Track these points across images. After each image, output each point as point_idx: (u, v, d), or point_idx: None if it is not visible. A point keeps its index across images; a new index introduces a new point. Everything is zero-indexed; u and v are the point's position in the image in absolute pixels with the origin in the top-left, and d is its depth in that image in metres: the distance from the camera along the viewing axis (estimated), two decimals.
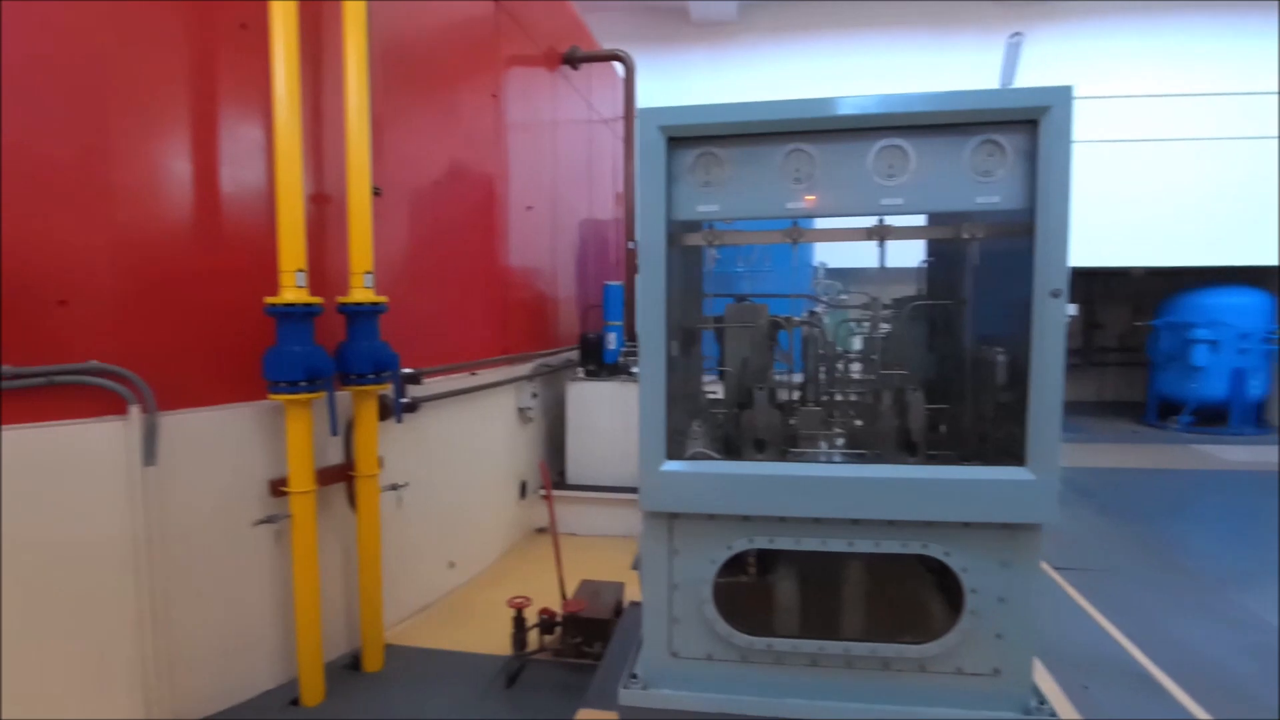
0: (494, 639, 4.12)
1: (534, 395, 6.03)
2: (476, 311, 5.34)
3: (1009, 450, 2.38)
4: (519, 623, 3.89)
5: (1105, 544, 6.45)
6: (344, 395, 3.77)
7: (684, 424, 2.78)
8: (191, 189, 3.31)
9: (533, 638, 3.95)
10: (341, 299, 3.71)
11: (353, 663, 3.90)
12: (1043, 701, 2.41)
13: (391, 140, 4.24)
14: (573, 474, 6.29)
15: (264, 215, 3.45)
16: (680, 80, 11.22)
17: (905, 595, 2.84)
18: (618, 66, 7.94)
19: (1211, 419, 11.67)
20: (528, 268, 6.24)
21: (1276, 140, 10.84)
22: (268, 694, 3.57)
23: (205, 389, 3.32)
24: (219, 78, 3.40)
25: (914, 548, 2.36)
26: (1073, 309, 11.23)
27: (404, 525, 4.31)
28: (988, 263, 2.51)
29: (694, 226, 2.83)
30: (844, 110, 2.23)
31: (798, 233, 2.54)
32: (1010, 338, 2.41)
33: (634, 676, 2.55)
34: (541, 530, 6.20)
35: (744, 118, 2.28)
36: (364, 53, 3.66)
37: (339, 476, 3.87)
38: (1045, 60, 10.92)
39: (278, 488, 3.49)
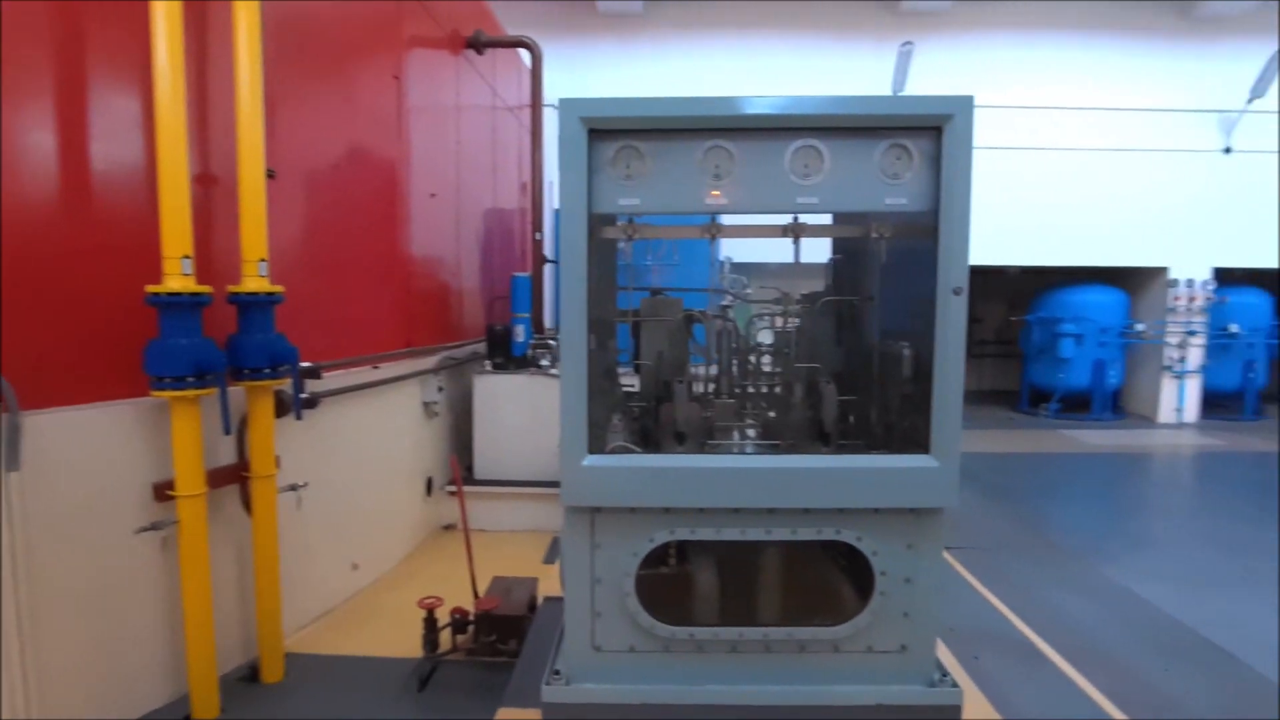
0: (404, 641, 3.99)
1: (439, 389, 5.87)
2: (378, 302, 5.13)
3: (913, 439, 2.51)
4: (430, 623, 3.78)
5: (987, 524, 6.93)
6: (237, 391, 3.54)
7: (603, 418, 2.78)
8: (57, 164, 3.01)
9: (445, 638, 3.86)
10: (233, 288, 3.47)
11: (251, 674, 3.69)
12: (945, 674, 2.57)
13: (286, 120, 4.00)
14: (481, 469, 6.17)
15: (145, 197, 3.18)
16: (586, 72, 11.14)
17: (817, 581, 2.95)
18: (524, 54, 7.80)
19: (1076, 406, 12.75)
20: (432, 257, 6.04)
21: (1137, 152, 11.94)
22: (156, 712, 3.32)
23: (78, 386, 3.03)
24: (88, 42, 3.09)
25: (828, 534, 2.45)
26: None
27: (304, 527, 4.10)
28: (894, 260, 2.63)
29: (611, 220, 2.83)
30: (763, 110, 2.28)
31: (716, 228, 2.58)
32: (914, 332, 2.54)
33: (556, 673, 2.53)
34: (449, 527, 6.05)
35: (666, 112, 2.29)
36: (257, 25, 3.43)
37: (232, 478, 3.63)
38: (935, 68, 11.54)
39: (163, 492, 3.24)
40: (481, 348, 6.72)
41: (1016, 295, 14.93)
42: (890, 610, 2.52)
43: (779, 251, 2.97)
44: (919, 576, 2.51)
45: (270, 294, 3.54)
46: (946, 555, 5.92)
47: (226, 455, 3.64)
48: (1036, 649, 4.41)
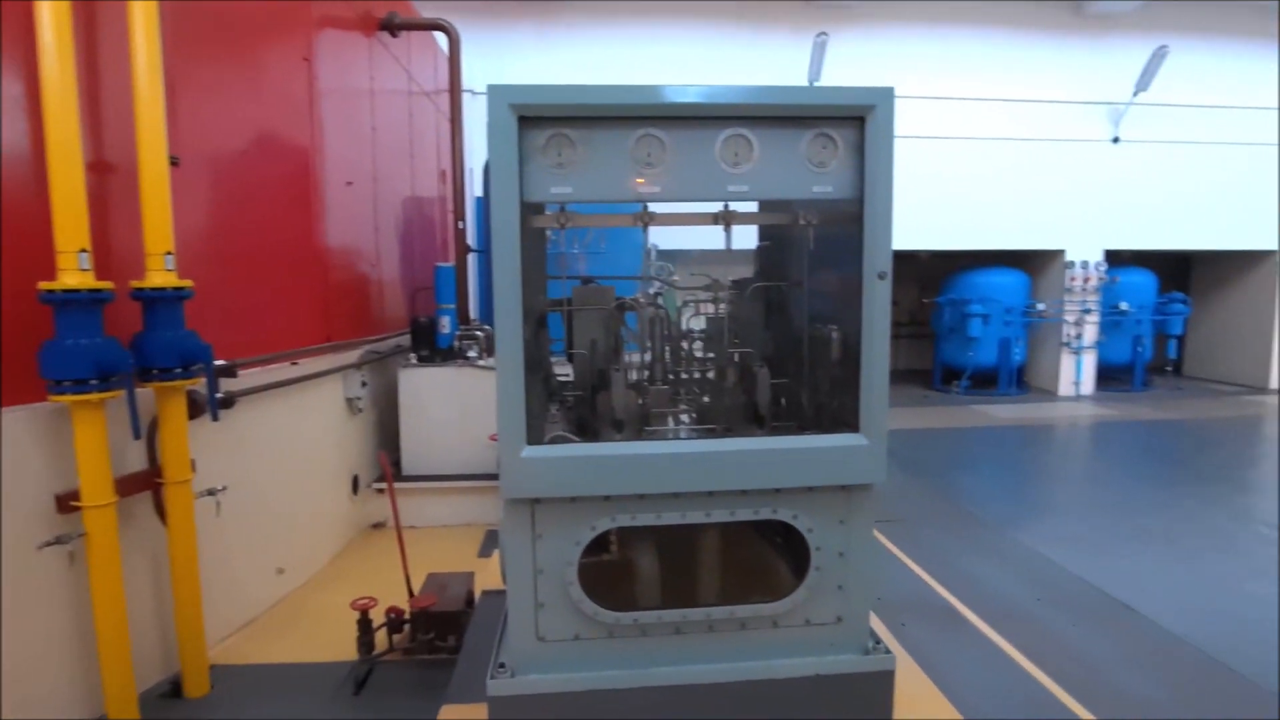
0: (337, 645, 3.88)
1: (363, 384, 5.69)
2: (295, 295, 4.93)
3: (843, 419, 2.60)
4: (364, 624, 3.69)
5: (909, 497, 7.25)
6: (145, 393, 3.34)
7: (539, 408, 2.76)
8: None
9: (380, 639, 3.77)
10: (136, 283, 3.27)
11: (173, 689, 3.50)
12: (878, 642, 2.68)
13: (189, 104, 3.78)
14: (409, 465, 6.03)
15: (34, 186, 2.95)
16: (504, 58, 10.92)
17: (756, 559, 3.02)
18: (440, 38, 7.59)
19: (985, 382, 13.44)
20: (350, 248, 5.84)
21: (1035, 141, 12.60)
22: None
23: None
24: None
25: (766, 513, 2.52)
26: None
27: (223, 533, 3.91)
28: (820, 246, 2.70)
29: (540, 208, 2.80)
30: (694, 99, 2.30)
31: (648, 216, 2.58)
32: (841, 316, 2.62)
33: (501, 666, 2.52)
34: (378, 526, 5.90)
35: (597, 100, 2.27)
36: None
37: (144, 485, 3.43)
38: (849, 59, 11.86)
39: (67, 503, 3.03)
40: (406, 340, 6.55)
41: (928, 278, 15.59)
42: (826, 584, 2.61)
43: (705, 238, 3.01)
44: (852, 550, 2.60)
45: (178, 289, 3.34)
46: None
47: (137, 461, 3.43)
48: (958, 613, 4.66)
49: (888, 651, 2.70)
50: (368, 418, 5.98)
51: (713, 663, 2.58)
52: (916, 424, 10.95)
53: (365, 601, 3.71)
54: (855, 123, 2.37)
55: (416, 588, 4.02)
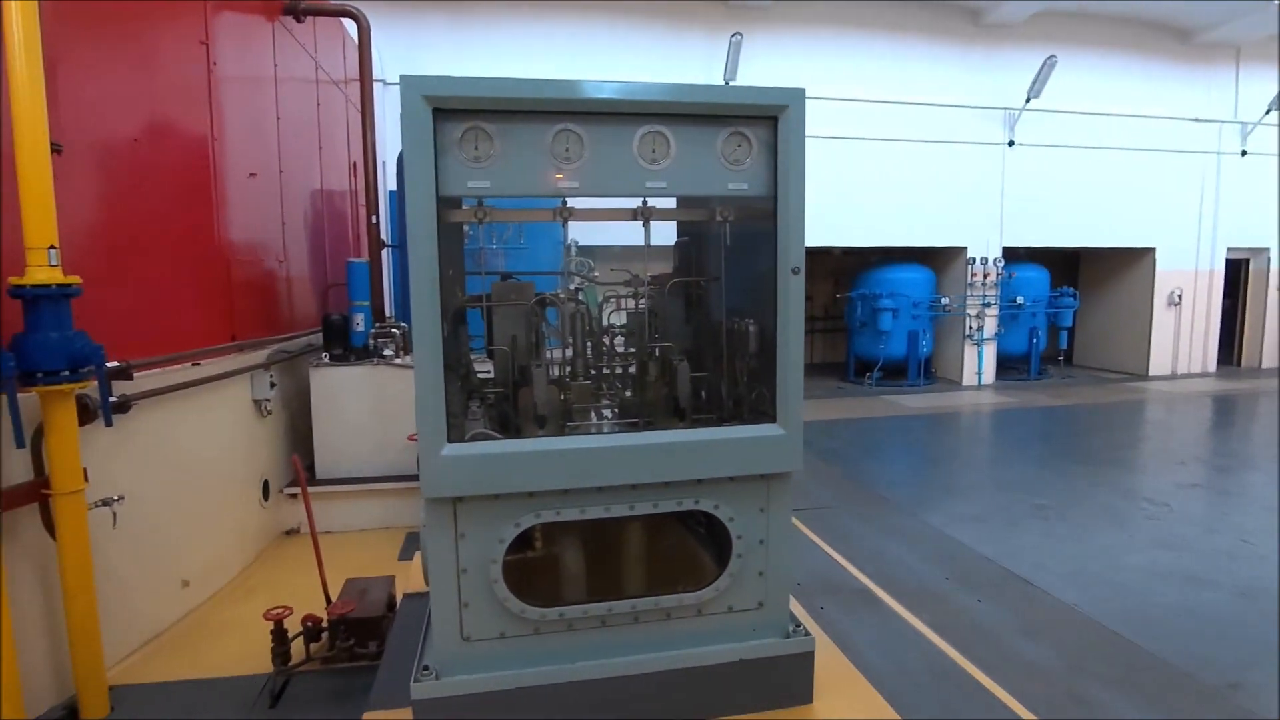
0: (250, 658, 3.72)
1: (272, 385, 5.46)
2: (195, 293, 4.67)
3: (761, 410, 2.67)
4: (279, 635, 3.55)
5: (825, 484, 7.50)
6: (29, 398, 3.11)
7: (460, 406, 2.72)
8: None
9: (297, 649, 3.63)
10: (16, 280, 3.04)
11: (69, 714, 3.27)
12: (798, 625, 2.77)
13: (73, 87, 3.53)
14: (323, 468, 5.83)
15: None
16: (416, 49, 10.64)
17: (679, 550, 3.07)
18: (349, 25, 7.34)
19: (895, 374, 14.03)
20: (255, 242, 5.58)
21: (939, 143, 13.20)
22: None
23: None
24: None
25: (688, 504, 2.56)
26: None
27: (121, 545, 3.69)
28: (737, 242, 2.76)
29: (456, 202, 2.76)
30: (611, 94, 2.31)
31: (567, 211, 2.59)
32: (758, 310, 2.69)
33: (425, 668, 2.47)
34: (292, 532, 5.67)
35: (514, 93, 2.25)
36: None
37: (30, 497, 3.18)
38: (763, 60, 12.13)
39: None
40: (318, 339, 6.31)
41: (841, 274, 16.15)
42: (747, 571, 2.68)
43: (626, 234, 3.03)
44: (772, 537, 2.68)
45: (64, 286, 3.12)
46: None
47: (21, 472, 3.19)
48: (872, 593, 4.86)
49: (807, 634, 2.79)
50: (278, 420, 5.74)
51: (639, 653, 2.61)
52: (832, 415, 11.33)
53: (279, 611, 3.57)
54: (769, 122, 2.44)
55: (335, 594, 3.90)
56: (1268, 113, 14.49)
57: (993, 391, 13.44)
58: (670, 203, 3.02)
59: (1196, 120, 14.51)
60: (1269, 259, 15.64)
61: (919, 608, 4.63)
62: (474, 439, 2.48)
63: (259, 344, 5.43)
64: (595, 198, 2.45)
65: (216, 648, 3.97)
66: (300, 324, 6.40)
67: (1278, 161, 14.66)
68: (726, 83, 11.55)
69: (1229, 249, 15.25)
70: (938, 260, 14.33)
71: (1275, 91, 14.32)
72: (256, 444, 5.36)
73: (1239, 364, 16.26)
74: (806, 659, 2.76)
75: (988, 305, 13.93)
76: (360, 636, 3.66)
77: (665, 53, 11.95)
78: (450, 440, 2.36)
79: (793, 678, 2.75)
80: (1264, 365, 15.96)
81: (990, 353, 14.19)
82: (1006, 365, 14.77)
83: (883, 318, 13.36)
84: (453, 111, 2.25)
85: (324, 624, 3.71)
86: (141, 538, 3.88)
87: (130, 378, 3.70)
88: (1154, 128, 14.24)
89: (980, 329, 13.99)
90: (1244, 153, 14.89)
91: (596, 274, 3.58)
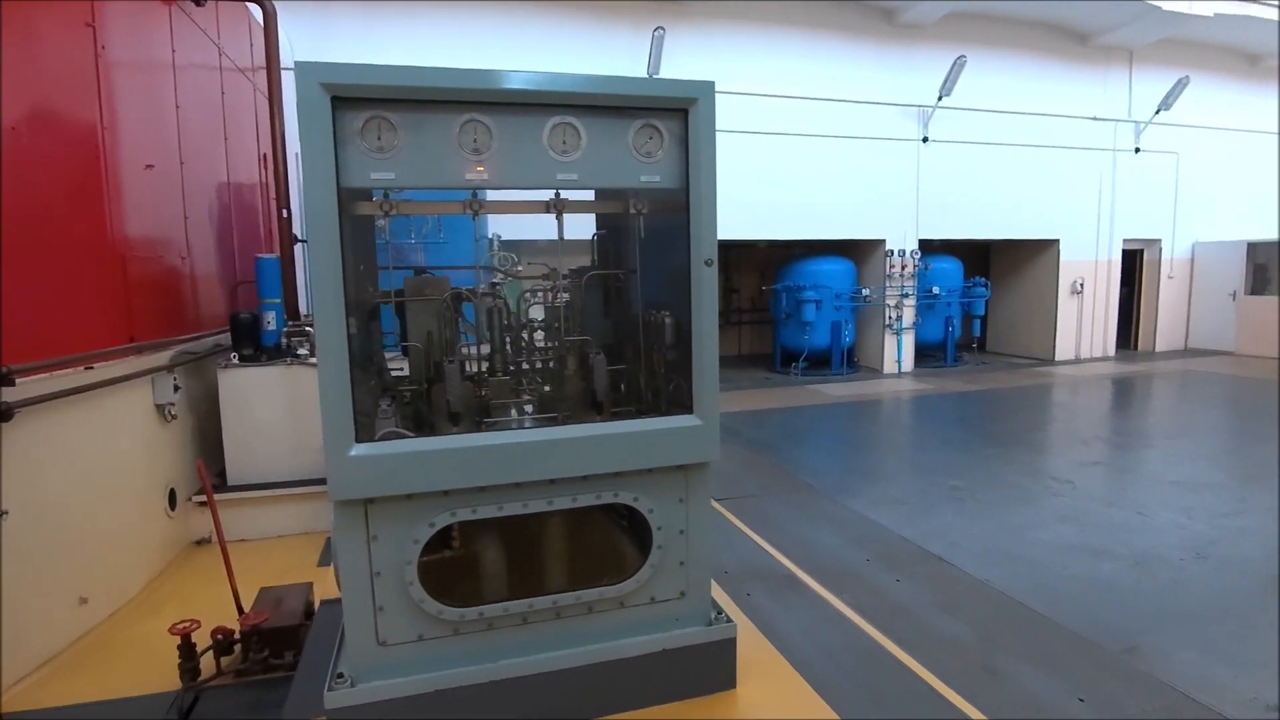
0: (156, 676, 3.53)
1: (175, 388, 5.18)
2: (88, 292, 4.38)
3: (679, 401, 2.69)
4: (186, 650, 3.37)
5: (752, 474, 7.62)
6: None
7: (370, 405, 2.64)
8: None
9: (208, 663, 3.47)
10: None
11: None
12: (720, 612, 2.81)
13: None
14: (234, 474, 5.57)
15: None
16: (329, 38, 10.26)
17: (601, 544, 3.06)
18: (254, 10, 7.01)
19: (820, 364, 14.38)
20: (154, 238, 5.28)
21: (858, 139, 13.56)
22: None
23: None
24: None
25: (607, 497, 2.56)
26: None
27: (9, 563, 3.44)
28: (652, 235, 2.77)
29: (366, 194, 2.68)
30: (517, 85, 2.27)
31: (478, 204, 2.54)
32: (673, 302, 2.70)
33: (340, 676, 2.39)
34: (202, 542, 5.41)
35: (416, 82, 2.19)
36: None
37: None
38: (687, 55, 12.20)
39: None
40: (226, 339, 6.03)
41: (767, 266, 16.44)
42: (668, 561, 2.69)
43: (549, 228, 3.00)
44: (692, 527, 2.70)
45: None
46: (718, 506, 6.43)
47: None
48: (797, 578, 4.97)
49: (729, 621, 2.83)
50: (184, 425, 5.45)
51: (561, 649, 2.60)
52: (759, 405, 11.53)
53: (186, 625, 3.40)
54: (679, 114, 2.45)
55: (249, 604, 3.74)
56: (1158, 112, 15.47)
57: (912, 379, 13.93)
58: (588, 196, 3.00)
59: (1094, 119, 15.36)
60: (1161, 249, 16.72)
61: (842, 590, 4.76)
62: (384, 438, 2.41)
63: (161, 345, 5.14)
64: (507, 190, 2.41)
65: (120, 667, 3.75)
66: (207, 324, 6.10)
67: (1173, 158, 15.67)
68: (651, 77, 11.57)
69: (1125, 240, 16.23)
70: (858, 252, 14.74)
71: (1164, 92, 15.30)
72: (160, 450, 5.08)
73: (1136, 348, 17.34)
74: (729, 645, 2.80)
75: (906, 296, 14.42)
76: (275, 647, 3.51)
77: (590, 47, 11.88)
78: (360, 440, 2.29)
79: (716, 665, 2.79)
80: (1158, 349, 17.07)
81: (909, 341, 14.71)
82: (925, 353, 15.34)
83: (807, 309, 13.66)
84: (353, 100, 2.17)
85: (236, 636, 3.55)
86: (31, 554, 3.63)
87: (13, 383, 3.45)
88: (1056, 126, 15.00)
89: (899, 319, 14.48)
90: (1137, 150, 15.85)
91: (520, 268, 3.52)
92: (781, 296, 14.24)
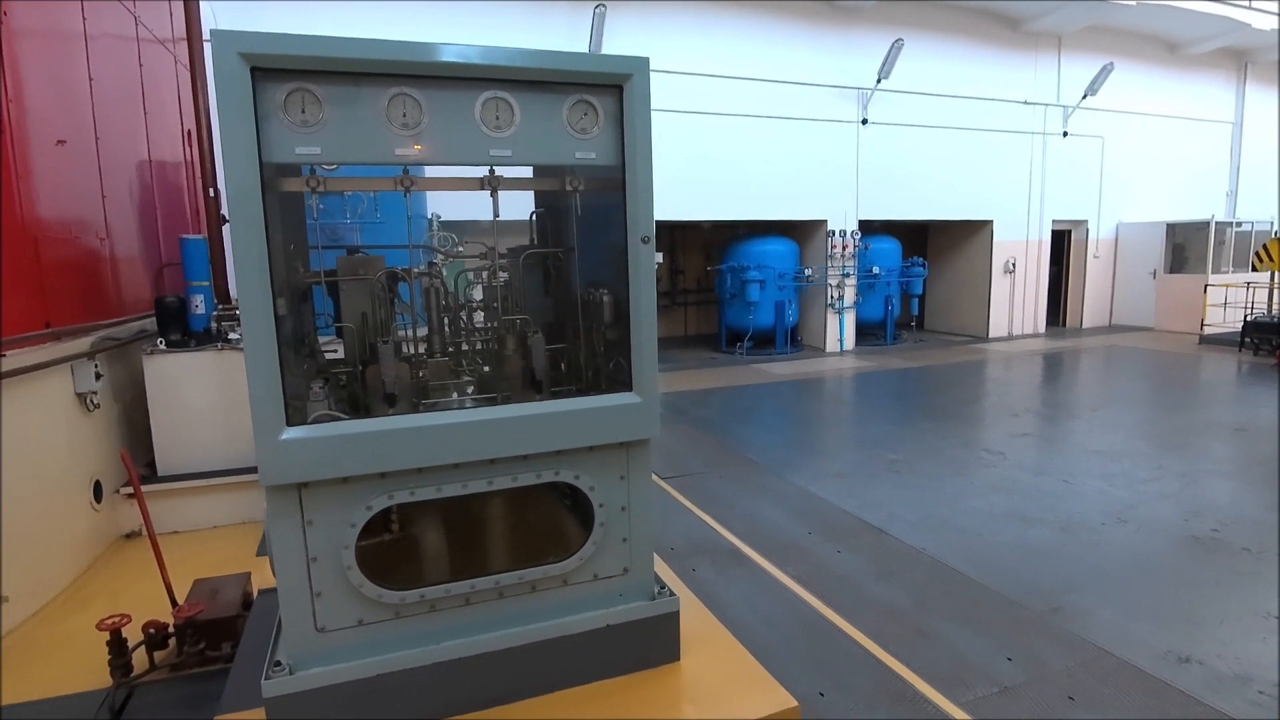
0: (85, 674, 3.40)
1: (98, 376, 4.95)
2: None
3: (618, 379, 2.69)
4: (116, 645, 3.26)
5: (698, 451, 7.71)
6: None
7: (303, 388, 2.57)
8: None
9: (141, 659, 3.36)
10: None
11: None
12: (663, 587, 2.84)
13: None
14: (165, 464, 5.37)
15: None
16: (258, 10, 9.84)
17: (543, 522, 3.06)
18: None
19: (764, 343, 14.58)
20: (69, 218, 5.01)
21: (800, 120, 13.69)
22: None
23: None
24: None
25: (548, 476, 2.55)
26: (659, 256, 12.96)
27: None
28: (590, 213, 2.76)
29: (294, 170, 2.59)
30: (446, 57, 2.22)
31: (409, 180, 2.48)
32: (612, 280, 2.70)
33: (278, 664, 2.35)
34: (133, 535, 5.21)
35: (340, 53, 2.12)
36: None
37: None
38: (628, 34, 12.10)
39: None
40: (152, 324, 5.78)
41: (711, 247, 16.54)
42: (611, 538, 2.71)
43: (490, 208, 2.95)
44: (633, 503, 2.72)
45: None
46: (665, 484, 6.49)
47: None
48: (741, 552, 5.07)
49: (673, 594, 2.87)
50: (107, 414, 5.22)
51: (505, 628, 2.59)
52: (705, 384, 11.65)
53: (115, 620, 3.28)
54: (614, 91, 2.43)
55: (183, 597, 3.63)
56: (1084, 97, 16.04)
57: (854, 357, 14.26)
58: (526, 173, 2.96)
59: (1026, 103, 15.84)
60: (1087, 230, 17.42)
61: (784, 562, 4.88)
62: (318, 421, 2.36)
63: (81, 330, 4.90)
64: (439, 166, 2.36)
65: (47, 666, 3.60)
66: (131, 308, 5.84)
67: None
68: (591, 53, 11.45)
69: (1054, 221, 16.85)
70: (801, 233, 14.95)
71: (1090, 78, 15.87)
72: (83, 442, 4.86)
73: (1064, 325, 18.08)
74: (672, 619, 2.84)
75: (847, 275, 14.71)
76: (211, 639, 3.43)
77: (530, 25, 11.69)
78: (291, 423, 2.23)
79: (660, 639, 2.83)
80: (1085, 325, 17.83)
81: (850, 320, 15.03)
82: (865, 331, 15.70)
83: (751, 289, 13.82)
84: (275, 71, 2.09)
85: (170, 630, 3.45)
86: None
87: None
88: (989, 109, 15.43)
89: (841, 298, 14.77)
90: (1065, 133, 16.42)
91: (461, 248, 3.46)
92: (726, 277, 14.37)
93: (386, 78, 2.19)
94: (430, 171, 3.73)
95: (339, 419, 2.39)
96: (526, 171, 3.01)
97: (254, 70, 2.05)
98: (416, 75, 2.20)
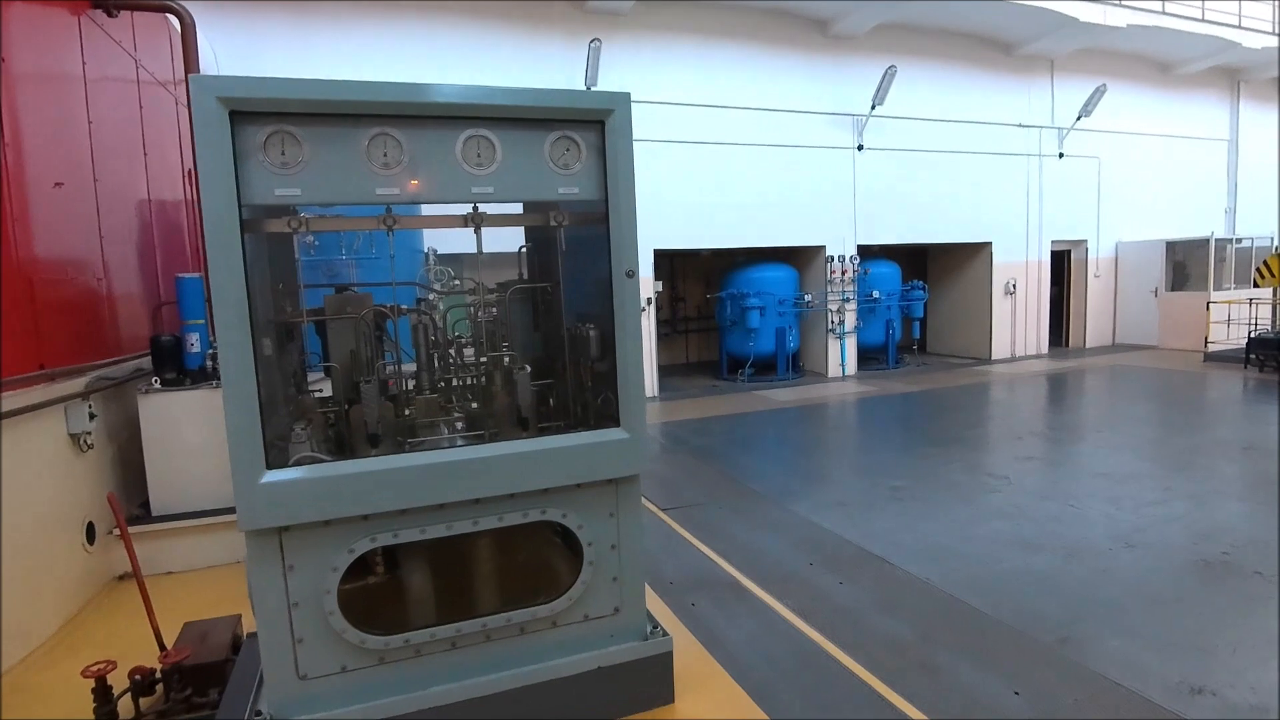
0: None
1: (92, 416, 4.94)
2: None
3: (607, 414, 2.66)
4: (101, 693, 3.19)
5: (698, 482, 7.63)
6: None
7: (287, 429, 2.55)
8: None
9: (125, 706, 3.29)
10: None
11: None
12: (656, 625, 2.78)
13: None
14: (159, 503, 5.33)
15: None
16: (257, 50, 9.99)
17: (530, 562, 3.01)
18: (174, 22, 6.78)
19: (765, 369, 14.53)
20: (66, 259, 5.03)
21: (796, 148, 13.80)
22: None
23: None
24: None
25: (535, 515, 2.51)
26: (658, 285, 13.00)
27: None
28: (575, 247, 2.75)
29: (278, 211, 2.59)
30: (425, 97, 2.22)
31: (392, 219, 2.48)
32: (599, 314, 2.68)
33: (259, 713, 2.29)
34: (125, 577, 5.16)
35: (319, 95, 2.13)
36: None
37: None
38: (625, 67, 12.25)
39: None
40: (148, 363, 5.78)
41: (711, 275, 16.57)
42: (601, 577, 2.66)
43: (488, 241, 2.94)
44: (624, 541, 2.68)
45: None
46: (664, 516, 6.42)
47: None
48: (741, 585, 4.98)
49: (666, 634, 2.81)
50: (102, 454, 5.20)
51: (493, 672, 2.54)
52: (706, 412, 11.58)
53: (101, 666, 3.21)
54: (596, 126, 2.43)
55: (172, 640, 3.56)
56: (1079, 119, 16.15)
57: (855, 382, 14.19)
58: (515, 208, 2.96)
59: (1020, 125, 15.95)
60: (1087, 249, 17.43)
61: (785, 595, 4.79)
62: (299, 463, 2.33)
63: (75, 371, 4.90)
64: (418, 204, 2.35)
65: (33, 714, 3.53)
66: (128, 347, 5.84)
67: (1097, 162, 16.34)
68: (589, 89, 11.58)
69: (1053, 241, 16.86)
70: (800, 259, 14.98)
71: (1084, 99, 15.99)
72: (76, 483, 4.83)
73: (1067, 345, 18.00)
74: (665, 659, 2.78)
75: (847, 300, 14.70)
76: (199, 685, 3.35)
77: (524, 59, 11.82)
78: (272, 466, 2.20)
79: (653, 680, 2.77)
80: (1088, 345, 17.76)
81: (851, 345, 14.98)
82: (867, 356, 15.64)
83: (751, 316, 13.80)
84: (254, 114, 2.10)
85: (157, 675, 3.38)
86: None
87: None
88: (985, 132, 15.53)
89: (841, 323, 14.74)
90: (1061, 155, 16.51)
91: (457, 281, 3.46)
92: (726, 304, 14.36)
93: (367, 118, 2.19)
94: (422, 207, 3.73)
95: (321, 460, 2.36)
96: (516, 207, 3.01)
97: (233, 114, 2.05)
98: (396, 115, 2.21)
